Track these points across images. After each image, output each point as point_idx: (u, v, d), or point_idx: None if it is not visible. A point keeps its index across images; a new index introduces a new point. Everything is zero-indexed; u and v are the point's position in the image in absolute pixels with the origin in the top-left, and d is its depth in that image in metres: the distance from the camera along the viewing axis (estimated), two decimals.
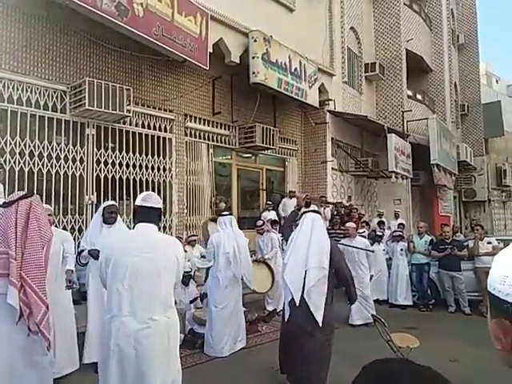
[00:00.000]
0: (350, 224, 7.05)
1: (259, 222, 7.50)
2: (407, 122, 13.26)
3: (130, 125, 7.15)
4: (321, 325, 3.58)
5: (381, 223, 9.80)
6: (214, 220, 6.48)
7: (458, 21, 19.63)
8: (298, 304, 3.61)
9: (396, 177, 11.37)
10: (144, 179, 7.30)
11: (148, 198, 2.75)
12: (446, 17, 16.86)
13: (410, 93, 14.29)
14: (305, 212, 4.06)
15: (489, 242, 7.85)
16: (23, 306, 2.64)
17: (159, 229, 6.99)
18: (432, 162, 12.61)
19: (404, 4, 14.11)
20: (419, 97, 15.02)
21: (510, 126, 20.14)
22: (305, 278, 3.63)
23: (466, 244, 8.11)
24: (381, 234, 9.00)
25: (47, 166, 6.10)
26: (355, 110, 12.17)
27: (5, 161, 5.68)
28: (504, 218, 20.39)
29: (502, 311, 0.73)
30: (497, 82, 32.16)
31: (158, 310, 2.55)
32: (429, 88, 16.30)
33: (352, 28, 12.46)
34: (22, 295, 2.65)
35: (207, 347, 5.05)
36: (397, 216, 10.95)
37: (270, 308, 6.96)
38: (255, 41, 8.11)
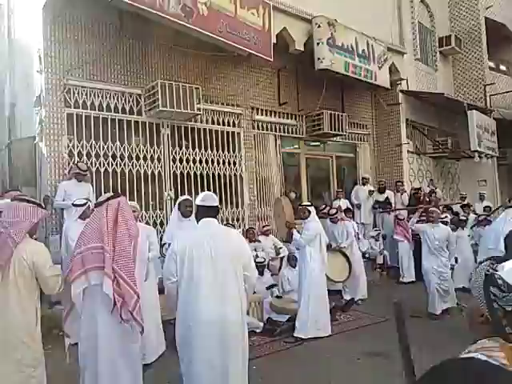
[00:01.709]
0: (434, 209, 6.72)
1: (332, 211, 7.40)
2: (490, 96, 12.24)
3: (201, 122, 7.41)
4: None
5: (465, 207, 9.16)
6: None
7: None
8: None
9: (480, 156, 10.56)
10: (216, 173, 7.54)
11: (206, 198, 3.13)
12: None
13: (491, 64, 13.14)
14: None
15: None
16: (117, 296, 2.85)
17: (232, 220, 7.18)
18: None
19: None
20: (503, 68, 13.77)
21: None
22: None
23: None
24: (465, 218, 8.44)
25: (128, 165, 6.54)
26: (430, 87, 11.46)
27: (91, 163, 6.20)
28: None
29: None
30: None
31: (228, 295, 2.84)
32: None
33: (422, 1, 11.70)
34: (116, 286, 2.86)
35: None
36: (482, 198, 10.16)
37: (347, 297, 6.86)
38: (319, 26, 7.95)
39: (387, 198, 9.27)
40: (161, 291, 5.23)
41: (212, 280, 2.83)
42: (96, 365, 2.87)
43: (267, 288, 6.10)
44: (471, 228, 8.47)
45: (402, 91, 10.19)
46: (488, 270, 1.21)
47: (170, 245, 4.48)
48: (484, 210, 9.12)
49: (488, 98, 12.21)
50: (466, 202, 9.44)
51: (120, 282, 2.86)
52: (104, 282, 2.84)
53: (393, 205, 9.28)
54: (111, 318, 2.88)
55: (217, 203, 3.15)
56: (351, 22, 8.55)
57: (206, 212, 3.07)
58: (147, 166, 6.76)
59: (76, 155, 6.10)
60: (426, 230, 6.30)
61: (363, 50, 8.74)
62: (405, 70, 10.23)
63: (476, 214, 9.17)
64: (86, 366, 2.91)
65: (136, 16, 5.91)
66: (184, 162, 7.17)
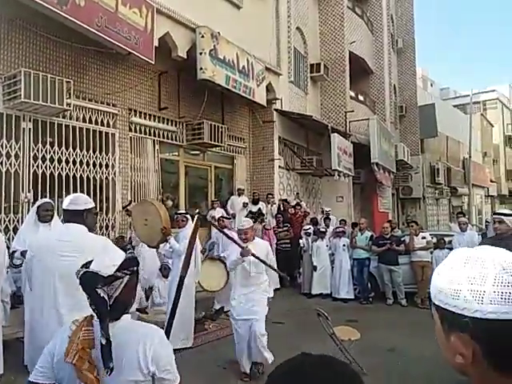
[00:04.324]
0: (247, 222, 4.62)
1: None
2: (350, 122, 13.73)
3: (71, 119, 6.83)
4: None
5: (326, 219, 10.14)
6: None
7: (397, 26, 20.62)
8: None
9: (339, 175, 11.77)
10: (85, 176, 7.01)
11: (70, 202, 2.90)
12: (386, 22, 17.64)
13: (352, 94, 14.78)
14: None
15: (423, 237, 8.37)
16: None
17: (100, 228, 6.66)
18: (372, 161, 13.17)
19: (347, 7, 14.56)
20: (361, 98, 15.60)
21: (443, 127, 21.53)
22: None
23: (402, 239, 8.60)
24: (324, 230, 9.31)
25: None
26: (301, 109, 12.43)
27: None
28: (437, 214, 21.82)
29: (458, 326, 0.75)
30: (431, 85, 34.17)
31: (75, 308, 2.59)
32: (370, 89, 17.00)
33: (298, 28, 12.67)
34: None
35: None
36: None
37: (217, 306, 6.97)
38: (202, 36, 8.03)
39: (260, 208, 9.74)
40: (12, 306, 4.67)
41: (63, 290, 2.60)
42: None
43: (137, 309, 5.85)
44: (329, 239, 9.37)
45: (276, 110, 10.86)
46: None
47: (21, 252, 4.02)
48: (340, 223, 10.20)
49: (348, 124, 13.72)
50: (326, 215, 10.46)
51: None
52: None
53: (265, 215, 9.78)
54: None
55: (81, 207, 2.88)
56: (233, 37, 8.85)
57: (67, 216, 2.86)
58: (2, 162, 5.95)
59: None
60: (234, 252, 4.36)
61: (243, 67, 9.10)
62: (280, 90, 10.95)
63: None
64: None
65: None
66: (47, 161, 6.50)
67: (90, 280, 1.50)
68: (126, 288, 1.52)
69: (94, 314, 1.52)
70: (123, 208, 7.05)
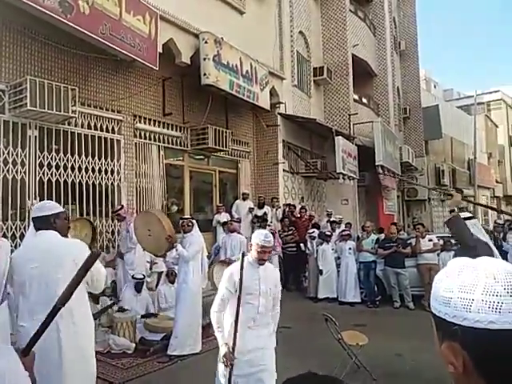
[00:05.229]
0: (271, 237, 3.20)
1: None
2: (353, 124, 13.70)
3: (76, 126, 6.87)
4: None
5: (333, 223, 10.09)
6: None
7: (399, 28, 20.61)
8: None
9: (343, 178, 11.74)
10: (91, 182, 7.04)
11: (36, 209, 2.85)
12: (388, 24, 17.64)
13: (356, 96, 14.77)
14: None
15: (430, 240, 8.33)
16: None
17: (106, 233, 6.63)
18: (377, 164, 13.09)
19: (350, 11, 14.58)
20: (365, 100, 15.58)
21: (447, 128, 21.43)
22: None
23: (409, 242, 8.55)
24: (329, 233, 9.28)
25: None
26: (304, 112, 12.43)
27: None
28: (442, 216, 21.66)
29: (449, 334, 0.75)
30: (435, 86, 34.05)
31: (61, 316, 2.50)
32: (373, 92, 16.98)
33: (301, 32, 12.69)
34: None
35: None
36: (329, 215, 11.13)
37: None
38: (206, 42, 8.07)
39: (265, 213, 9.74)
40: None
41: (43, 298, 2.48)
42: None
43: (142, 316, 5.81)
44: (335, 242, 9.32)
45: (280, 114, 10.87)
46: None
47: None
48: (345, 226, 10.15)
49: (351, 126, 13.69)
50: (333, 219, 10.39)
51: None
52: None
53: (269, 219, 9.77)
54: None
55: (48, 212, 2.74)
56: (237, 43, 8.88)
57: (37, 224, 2.75)
58: (8, 170, 5.99)
59: None
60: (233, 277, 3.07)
61: (247, 71, 9.12)
62: (283, 94, 10.96)
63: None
64: None
65: (2, 1, 5.26)
66: (53, 168, 6.53)
67: None
68: None
69: None
70: (113, 212, 6.98)
